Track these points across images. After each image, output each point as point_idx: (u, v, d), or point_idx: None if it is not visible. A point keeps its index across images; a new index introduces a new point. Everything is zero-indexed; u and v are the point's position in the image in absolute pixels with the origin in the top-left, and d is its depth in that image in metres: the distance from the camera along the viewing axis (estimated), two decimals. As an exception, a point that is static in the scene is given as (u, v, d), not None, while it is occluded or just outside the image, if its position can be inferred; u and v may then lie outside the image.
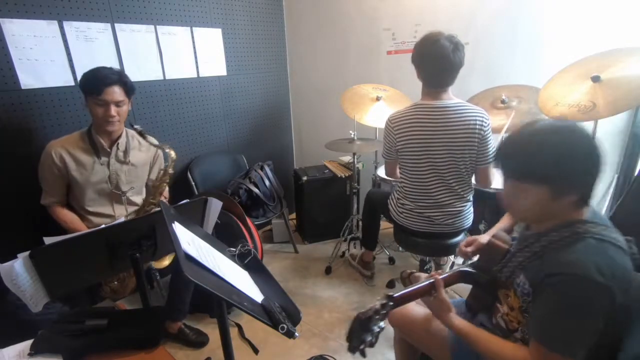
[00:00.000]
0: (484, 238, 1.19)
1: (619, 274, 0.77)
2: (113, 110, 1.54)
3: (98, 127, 1.61)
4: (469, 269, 1.08)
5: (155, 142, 1.62)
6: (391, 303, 0.92)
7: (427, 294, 1.00)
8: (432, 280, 1.00)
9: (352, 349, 0.89)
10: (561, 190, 0.83)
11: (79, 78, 1.86)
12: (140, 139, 1.71)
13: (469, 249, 1.20)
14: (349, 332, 0.90)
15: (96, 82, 1.50)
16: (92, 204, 1.68)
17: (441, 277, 1.01)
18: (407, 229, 1.74)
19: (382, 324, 0.91)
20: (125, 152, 1.70)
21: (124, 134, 1.70)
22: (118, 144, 1.67)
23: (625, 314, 0.87)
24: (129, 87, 1.58)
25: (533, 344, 0.83)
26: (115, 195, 1.70)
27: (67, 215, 1.64)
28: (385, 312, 0.91)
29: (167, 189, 1.80)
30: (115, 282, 1.63)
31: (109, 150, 1.65)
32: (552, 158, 0.81)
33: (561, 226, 0.85)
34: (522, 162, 0.86)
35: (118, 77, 1.54)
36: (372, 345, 0.90)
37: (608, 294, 0.76)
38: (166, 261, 1.78)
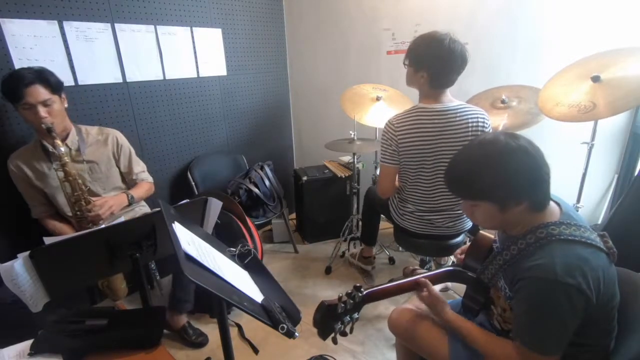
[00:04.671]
0: None
1: (589, 270, 0.79)
2: (42, 111, 1.44)
3: (38, 133, 1.54)
4: (455, 267, 1.09)
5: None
6: (360, 293, 0.93)
7: (406, 291, 1.03)
8: (414, 278, 1.02)
9: (321, 335, 0.91)
10: (506, 203, 0.86)
11: (79, 78, 1.87)
12: (93, 132, 1.66)
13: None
14: (313, 318, 0.91)
15: (13, 84, 1.40)
16: (68, 210, 1.60)
17: (427, 274, 1.04)
18: (407, 230, 1.74)
19: (356, 315, 0.93)
20: (79, 150, 1.61)
21: (72, 132, 1.61)
22: (66, 143, 1.57)
23: (610, 314, 0.87)
24: (52, 84, 1.47)
25: (515, 342, 0.87)
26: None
27: (56, 227, 1.60)
28: (354, 302, 0.92)
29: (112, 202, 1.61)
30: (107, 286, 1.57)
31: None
32: (482, 177, 0.85)
33: (530, 231, 0.87)
34: (461, 185, 0.92)
35: (36, 75, 1.43)
36: (344, 334, 0.91)
37: (576, 292, 0.78)
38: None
